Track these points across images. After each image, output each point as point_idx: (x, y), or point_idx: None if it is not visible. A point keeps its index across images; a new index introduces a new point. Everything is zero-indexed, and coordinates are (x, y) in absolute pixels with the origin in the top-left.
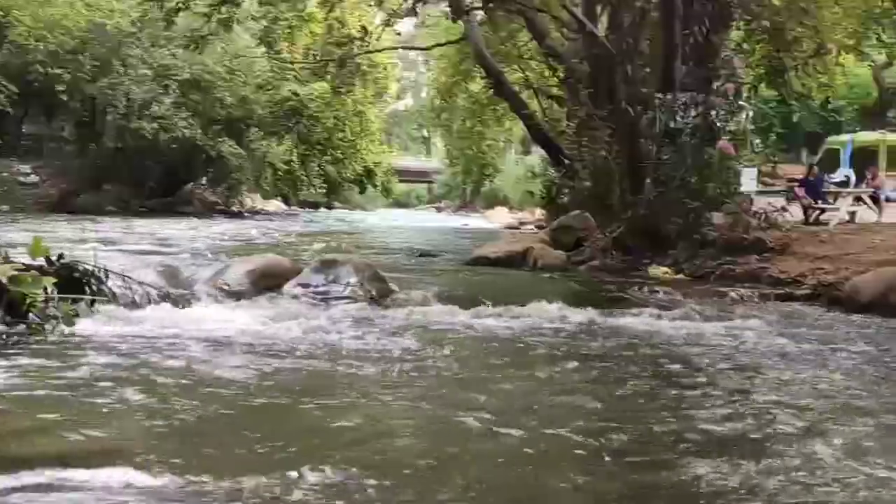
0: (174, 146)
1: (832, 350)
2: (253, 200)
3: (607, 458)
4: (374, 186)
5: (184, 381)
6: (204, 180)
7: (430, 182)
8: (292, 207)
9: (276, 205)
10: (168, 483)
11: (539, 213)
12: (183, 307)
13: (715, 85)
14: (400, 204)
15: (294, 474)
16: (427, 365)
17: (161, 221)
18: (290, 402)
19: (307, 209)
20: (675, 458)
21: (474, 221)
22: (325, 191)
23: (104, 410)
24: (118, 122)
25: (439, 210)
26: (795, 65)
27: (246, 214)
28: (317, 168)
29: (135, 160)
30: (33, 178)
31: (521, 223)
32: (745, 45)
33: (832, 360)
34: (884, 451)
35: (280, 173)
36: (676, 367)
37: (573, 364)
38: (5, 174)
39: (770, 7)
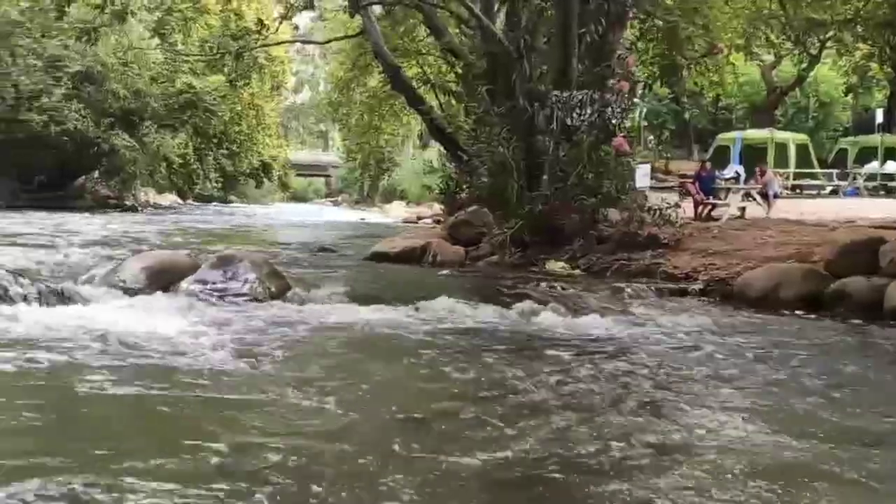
0: (65, 139)
1: (711, 344)
2: (147, 194)
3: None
4: (271, 180)
5: (52, 384)
6: (96, 174)
7: (327, 176)
8: (188, 201)
9: (171, 199)
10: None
11: (436, 207)
12: (76, 305)
13: (610, 83)
14: (297, 198)
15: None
16: (323, 364)
17: (52, 216)
18: (168, 406)
19: (202, 203)
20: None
21: (372, 216)
22: (220, 185)
23: None
24: (6, 114)
25: (337, 204)
26: (688, 63)
27: (140, 209)
28: (213, 162)
29: (24, 153)
30: None
31: (419, 217)
32: (639, 44)
33: (706, 355)
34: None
35: (175, 167)
36: (572, 361)
37: (467, 361)
38: None
39: (663, 6)
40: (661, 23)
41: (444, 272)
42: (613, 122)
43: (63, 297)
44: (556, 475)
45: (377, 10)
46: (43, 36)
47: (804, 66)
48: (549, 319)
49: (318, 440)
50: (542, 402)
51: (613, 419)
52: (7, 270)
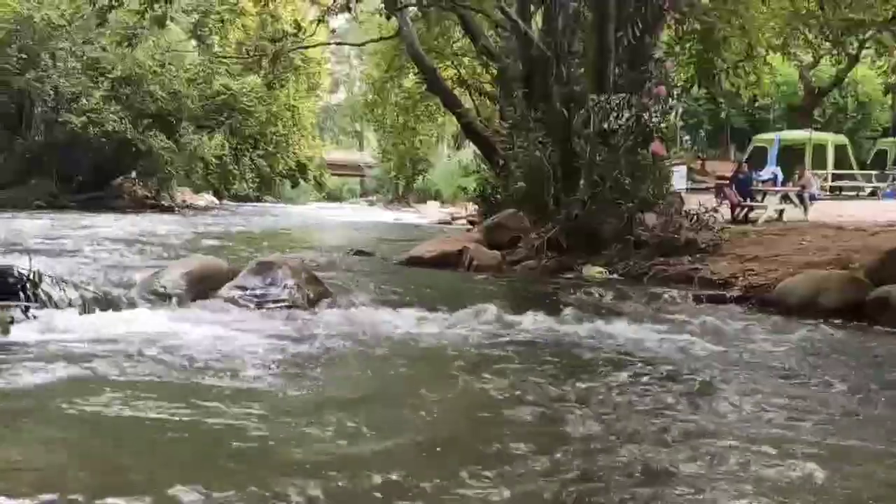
0: (104, 140)
1: (763, 359)
2: (183, 194)
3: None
4: (307, 181)
5: (97, 394)
6: (134, 174)
7: (362, 176)
8: (223, 202)
9: (207, 199)
10: None
11: (471, 207)
12: (119, 312)
13: (647, 86)
14: (332, 197)
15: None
16: (362, 378)
17: (91, 216)
18: (203, 417)
19: (238, 203)
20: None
21: (406, 216)
22: (256, 185)
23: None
24: (46, 116)
25: (371, 204)
26: (727, 67)
27: (177, 209)
28: (249, 162)
29: (63, 154)
30: None
31: (453, 218)
32: (676, 48)
33: (761, 372)
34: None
35: (211, 168)
36: (618, 377)
37: (508, 373)
38: None
39: (699, 7)
40: (697, 25)
41: (481, 277)
42: (651, 126)
43: (106, 303)
44: None
45: (412, 11)
46: (84, 42)
47: (842, 66)
48: (591, 328)
49: (352, 462)
50: (590, 425)
51: (676, 450)
52: (52, 276)
